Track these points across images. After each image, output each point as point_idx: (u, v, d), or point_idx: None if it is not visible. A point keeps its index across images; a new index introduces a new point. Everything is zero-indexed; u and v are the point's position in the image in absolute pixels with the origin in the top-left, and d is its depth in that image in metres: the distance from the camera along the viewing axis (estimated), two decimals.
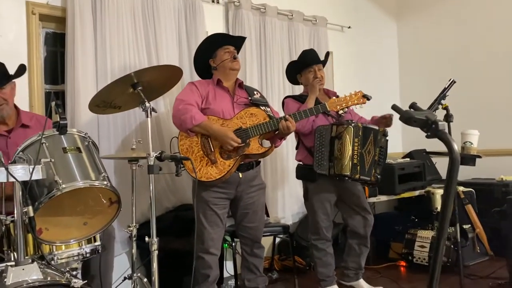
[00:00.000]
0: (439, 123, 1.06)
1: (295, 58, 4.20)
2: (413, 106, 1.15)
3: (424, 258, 3.70)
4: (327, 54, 3.30)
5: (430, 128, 1.06)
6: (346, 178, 2.93)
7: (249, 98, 2.83)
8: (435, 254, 1.07)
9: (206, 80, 2.90)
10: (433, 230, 3.82)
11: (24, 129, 2.41)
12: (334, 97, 2.92)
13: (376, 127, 2.97)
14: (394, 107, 1.09)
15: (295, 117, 2.75)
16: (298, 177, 3.27)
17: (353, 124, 2.90)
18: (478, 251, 3.93)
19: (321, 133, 2.98)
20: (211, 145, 2.69)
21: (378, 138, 2.95)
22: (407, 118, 1.07)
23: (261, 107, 2.77)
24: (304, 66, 3.21)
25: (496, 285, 3.17)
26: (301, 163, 3.22)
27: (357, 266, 3.27)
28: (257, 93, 2.93)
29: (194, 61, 2.98)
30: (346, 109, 2.90)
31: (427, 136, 1.08)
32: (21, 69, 2.36)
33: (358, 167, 2.88)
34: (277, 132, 2.73)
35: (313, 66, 3.17)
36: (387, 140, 3.02)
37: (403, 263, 3.91)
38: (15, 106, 2.47)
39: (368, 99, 2.84)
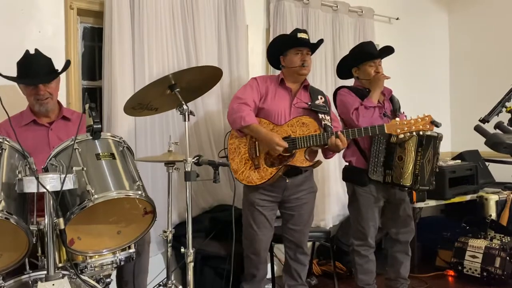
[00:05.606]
0: None
1: (339, 52, 4.01)
2: (499, 125, 0.96)
3: (475, 269, 3.44)
4: (391, 49, 2.96)
5: None
6: (406, 188, 2.75)
7: (309, 103, 2.68)
8: None
9: (270, 76, 2.85)
10: (486, 239, 3.54)
11: (65, 121, 2.46)
12: (397, 119, 2.61)
13: (436, 134, 2.70)
14: (478, 129, 0.90)
15: (348, 134, 2.57)
16: (345, 179, 3.02)
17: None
18: None
19: (379, 137, 2.76)
20: (257, 149, 2.63)
21: (437, 145, 2.71)
22: (495, 144, 0.88)
23: (319, 114, 2.62)
24: (366, 58, 2.94)
25: None
26: (350, 164, 2.97)
27: (401, 276, 3.07)
28: (321, 98, 2.76)
29: (266, 52, 2.91)
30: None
31: None
32: (67, 65, 2.48)
33: (419, 177, 2.67)
34: (326, 147, 2.59)
35: (375, 61, 2.93)
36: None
37: (451, 272, 3.66)
38: (58, 101, 2.51)
39: (437, 126, 2.51)
